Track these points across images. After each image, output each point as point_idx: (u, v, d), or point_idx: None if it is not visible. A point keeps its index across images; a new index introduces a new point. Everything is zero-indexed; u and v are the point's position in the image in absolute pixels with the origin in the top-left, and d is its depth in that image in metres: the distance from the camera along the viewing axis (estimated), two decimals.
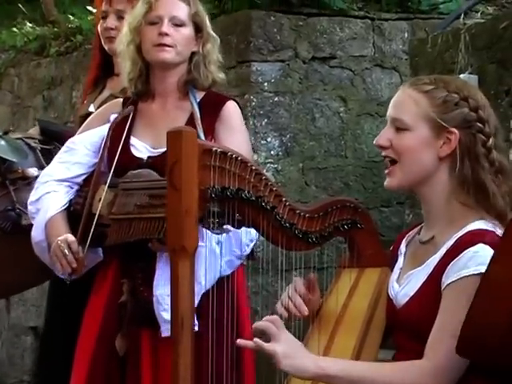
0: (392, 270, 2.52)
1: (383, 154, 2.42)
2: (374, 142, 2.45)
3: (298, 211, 2.51)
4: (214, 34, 3.42)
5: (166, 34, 3.28)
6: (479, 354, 2.05)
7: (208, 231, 3.01)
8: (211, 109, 3.34)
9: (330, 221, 2.57)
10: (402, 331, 2.40)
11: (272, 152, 5.52)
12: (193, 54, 3.37)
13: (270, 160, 5.50)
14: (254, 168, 2.44)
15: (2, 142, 3.72)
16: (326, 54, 5.68)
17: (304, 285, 2.57)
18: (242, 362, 3.19)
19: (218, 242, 3.04)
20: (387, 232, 5.36)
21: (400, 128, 2.38)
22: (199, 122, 3.27)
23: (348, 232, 2.61)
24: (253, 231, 3.02)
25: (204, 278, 3.06)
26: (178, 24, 3.32)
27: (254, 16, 5.52)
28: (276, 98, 5.55)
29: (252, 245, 3.24)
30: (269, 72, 5.52)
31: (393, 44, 5.82)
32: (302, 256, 2.65)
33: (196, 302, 3.08)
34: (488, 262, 2.09)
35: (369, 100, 5.67)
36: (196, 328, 3.07)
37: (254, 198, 2.43)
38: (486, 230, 2.28)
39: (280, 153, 5.54)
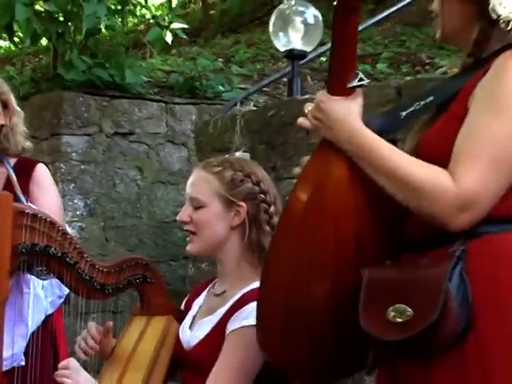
0: (184, 318, 2.54)
1: (185, 227, 2.43)
2: (177, 218, 2.45)
3: (97, 266, 2.49)
4: (18, 109, 3.33)
5: None
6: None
7: (35, 278, 2.97)
8: (24, 172, 3.25)
9: (125, 275, 2.57)
10: (190, 368, 2.40)
11: (78, 212, 5.45)
12: (2, 126, 3.29)
13: (75, 219, 5.43)
14: (60, 228, 2.42)
15: None
16: (126, 130, 5.69)
17: (99, 329, 2.56)
18: None
19: (43, 287, 2.98)
20: (174, 282, 5.38)
21: (196, 205, 2.42)
22: (16, 184, 3.18)
23: (139, 285, 2.61)
24: None
25: (31, 320, 2.99)
26: None
27: (65, 96, 5.48)
28: (82, 166, 5.50)
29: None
30: (76, 144, 5.48)
31: (183, 124, 5.90)
32: (100, 302, 2.64)
33: (25, 342, 3.01)
34: None
35: (162, 170, 5.71)
36: (23, 363, 3.01)
37: (59, 254, 2.41)
38: None
39: (84, 213, 5.48)
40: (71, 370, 2.26)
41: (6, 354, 3.00)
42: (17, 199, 3.12)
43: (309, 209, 1.84)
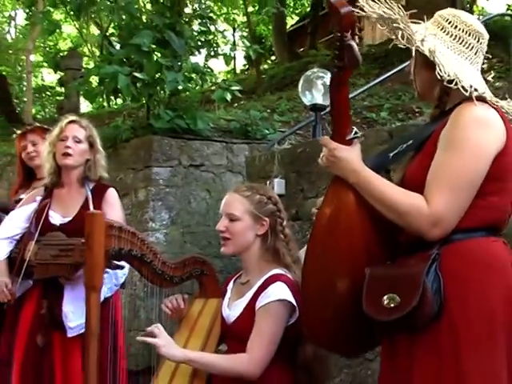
0: (223, 299, 2.54)
1: (221, 235, 2.44)
2: (216, 228, 2.45)
3: (167, 263, 2.52)
4: (101, 149, 3.40)
5: (69, 147, 3.26)
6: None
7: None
8: (99, 193, 3.30)
9: (187, 269, 2.58)
10: (232, 338, 2.41)
11: (163, 222, 5.48)
12: (87, 160, 3.33)
13: (162, 227, 5.46)
14: (139, 236, 2.45)
15: None
16: (198, 163, 5.71)
17: (179, 298, 2.57)
18: (117, 352, 3.12)
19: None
20: (232, 271, 5.37)
21: (232, 219, 2.41)
22: (91, 202, 3.24)
23: (198, 276, 2.62)
24: (125, 270, 3.04)
25: None
26: (78, 141, 3.30)
27: (155, 139, 5.52)
28: (167, 189, 5.53)
29: (124, 278, 3.19)
30: (163, 173, 5.51)
31: (239, 158, 5.89)
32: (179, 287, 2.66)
33: None
34: (283, 292, 2.23)
35: (224, 191, 5.54)
36: None
37: (139, 255, 2.43)
38: (281, 274, 2.33)
39: (168, 223, 5.50)
40: (158, 330, 2.29)
41: (78, 321, 3.07)
42: None
43: (328, 229, 1.85)
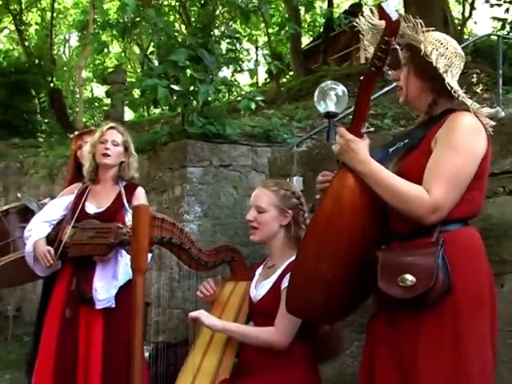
0: (251, 282, 2.53)
1: (250, 224, 2.43)
2: (246, 218, 2.45)
3: (202, 250, 2.52)
4: (134, 153, 3.43)
5: (108, 149, 3.29)
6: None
7: (124, 251, 3.00)
8: (130, 190, 3.33)
9: (220, 255, 2.58)
10: (258, 315, 2.40)
11: (197, 215, 5.47)
12: (122, 161, 3.36)
13: (195, 219, 5.45)
14: (179, 226, 2.45)
15: (34, 204, 3.69)
16: (227, 163, 5.68)
17: (213, 282, 2.59)
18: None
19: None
20: (258, 257, 5.35)
21: (260, 210, 2.40)
22: (124, 196, 3.27)
23: (229, 262, 2.63)
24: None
25: (121, 276, 3.05)
26: (115, 144, 3.32)
27: (189, 143, 5.51)
28: (200, 186, 5.51)
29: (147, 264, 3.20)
30: (196, 172, 5.50)
31: (262, 159, 5.85)
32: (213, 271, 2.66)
33: (115, 290, 3.08)
34: None
35: (249, 188, 5.64)
36: (113, 306, 3.07)
37: (178, 243, 2.43)
38: None
39: (201, 215, 5.49)
40: (195, 314, 2.32)
41: (106, 295, 3.07)
42: (123, 205, 3.24)
43: (332, 211, 1.83)
